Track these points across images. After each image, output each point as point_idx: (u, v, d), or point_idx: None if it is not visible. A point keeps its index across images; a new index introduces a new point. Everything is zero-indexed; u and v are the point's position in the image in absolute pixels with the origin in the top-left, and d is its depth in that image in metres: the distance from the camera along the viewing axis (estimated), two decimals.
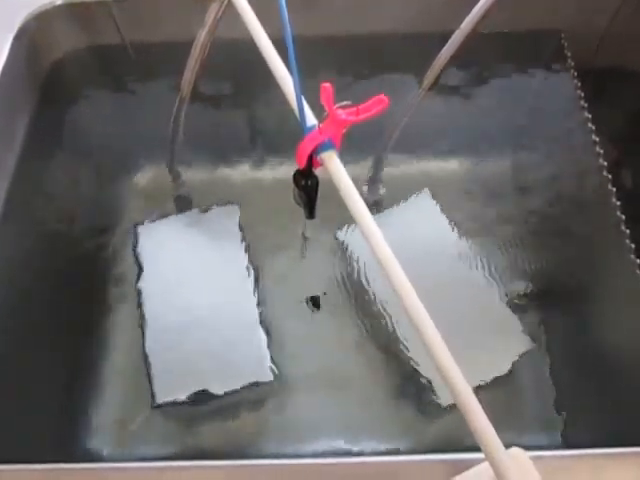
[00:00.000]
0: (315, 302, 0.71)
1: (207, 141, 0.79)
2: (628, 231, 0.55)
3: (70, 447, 0.64)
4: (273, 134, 0.78)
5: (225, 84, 0.74)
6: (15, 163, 0.61)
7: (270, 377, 0.64)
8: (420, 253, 0.71)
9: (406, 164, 0.81)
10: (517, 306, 0.69)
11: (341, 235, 0.73)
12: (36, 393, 0.60)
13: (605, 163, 0.58)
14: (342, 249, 0.73)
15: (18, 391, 0.57)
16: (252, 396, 0.65)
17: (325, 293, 0.71)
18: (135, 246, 0.74)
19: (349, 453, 0.63)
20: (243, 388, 0.64)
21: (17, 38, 0.62)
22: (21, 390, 0.58)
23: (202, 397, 0.63)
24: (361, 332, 0.69)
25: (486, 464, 0.33)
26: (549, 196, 0.76)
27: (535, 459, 0.36)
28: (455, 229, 0.74)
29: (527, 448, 0.37)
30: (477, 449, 0.34)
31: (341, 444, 0.63)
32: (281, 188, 0.77)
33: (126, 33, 0.68)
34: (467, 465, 0.37)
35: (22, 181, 0.61)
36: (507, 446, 0.34)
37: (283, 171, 0.80)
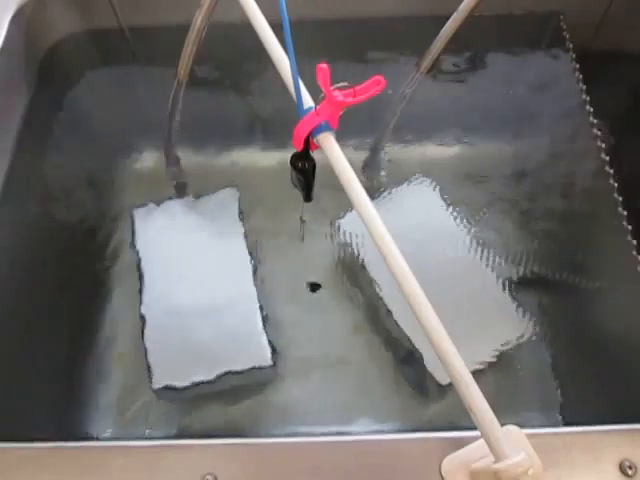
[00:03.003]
0: (315, 287, 0.72)
1: (205, 125, 0.79)
2: (625, 213, 0.55)
3: (70, 429, 0.64)
4: (271, 117, 0.78)
5: (222, 68, 0.74)
6: (13, 146, 0.61)
7: (269, 361, 0.65)
8: (418, 237, 0.71)
9: (404, 148, 0.80)
10: (515, 290, 0.70)
11: (340, 219, 0.74)
12: (36, 375, 0.61)
13: (603, 145, 0.58)
14: (341, 233, 0.73)
15: (18, 372, 0.58)
16: (251, 380, 0.65)
17: (324, 284, 0.72)
18: (133, 230, 0.74)
19: (347, 433, 0.63)
20: (242, 372, 0.64)
21: (14, 21, 0.62)
22: (21, 372, 0.58)
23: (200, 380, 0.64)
24: (359, 316, 0.70)
25: (481, 441, 0.34)
26: (547, 179, 0.76)
27: (531, 436, 0.36)
28: (453, 213, 0.74)
29: (523, 426, 0.38)
30: (473, 428, 0.34)
31: (340, 426, 0.64)
32: (279, 171, 0.77)
33: (123, 17, 0.68)
34: (463, 443, 0.38)
35: (20, 163, 0.61)
36: (504, 425, 0.35)
37: (281, 154, 0.80)
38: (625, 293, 0.58)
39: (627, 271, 0.55)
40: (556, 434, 0.40)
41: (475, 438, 0.37)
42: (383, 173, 0.78)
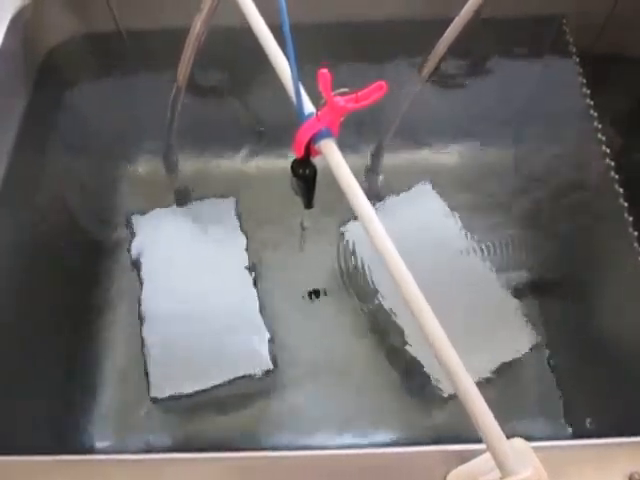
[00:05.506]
0: (316, 294, 0.71)
1: (204, 130, 0.79)
2: (631, 219, 0.54)
3: (70, 439, 0.64)
4: (271, 123, 0.78)
5: (222, 72, 0.74)
6: (11, 150, 0.61)
7: (269, 367, 0.64)
8: (421, 243, 0.71)
9: (406, 153, 0.80)
10: (519, 296, 0.69)
11: (342, 226, 0.73)
12: (34, 384, 0.60)
13: (608, 150, 0.58)
14: (343, 240, 0.73)
15: (16, 381, 0.57)
16: (251, 386, 0.65)
17: (325, 292, 0.71)
18: (131, 236, 0.73)
19: (349, 444, 0.62)
20: (242, 378, 0.64)
21: (12, 25, 0.61)
22: (19, 380, 0.58)
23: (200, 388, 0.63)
24: (361, 323, 0.69)
25: (487, 455, 0.33)
26: (551, 184, 0.75)
27: (538, 450, 0.36)
28: (456, 219, 0.73)
29: (529, 438, 0.37)
30: (479, 440, 0.33)
31: (341, 435, 0.63)
32: (279, 177, 0.77)
33: (121, 21, 0.68)
34: (469, 456, 0.37)
35: (18, 168, 0.61)
36: (509, 437, 0.34)
37: (281, 160, 0.79)
38: (631, 300, 0.57)
39: (633, 279, 0.54)
40: (563, 447, 0.40)
41: (481, 451, 0.36)
42: (384, 179, 0.77)
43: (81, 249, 0.74)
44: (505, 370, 0.64)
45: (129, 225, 0.74)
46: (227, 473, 0.39)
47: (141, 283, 0.70)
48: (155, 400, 0.63)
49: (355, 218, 0.70)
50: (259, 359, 0.65)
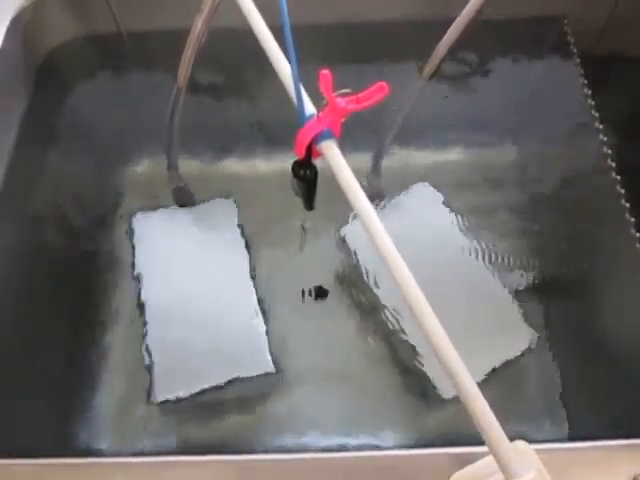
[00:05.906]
0: (319, 293, 0.71)
1: (205, 132, 0.78)
2: (632, 220, 0.54)
3: (69, 441, 0.63)
4: (272, 124, 0.78)
5: (223, 73, 0.74)
6: (11, 150, 0.60)
7: (270, 370, 0.64)
8: (422, 244, 0.71)
9: (407, 154, 0.80)
10: (519, 296, 0.69)
11: (343, 228, 0.73)
12: (33, 385, 0.60)
13: (609, 151, 0.57)
14: (344, 241, 0.72)
15: (14, 382, 0.57)
16: (251, 388, 0.65)
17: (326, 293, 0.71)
18: (131, 237, 0.73)
19: (349, 446, 0.62)
20: (243, 380, 0.64)
21: (12, 26, 0.61)
22: (19, 380, 0.58)
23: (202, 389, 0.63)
24: (362, 324, 0.69)
25: (490, 458, 0.33)
26: (551, 185, 0.75)
27: (540, 452, 0.35)
28: (457, 219, 0.73)
29: (530, 439, 0.37)
30: (481, 442, 0.33)
31: (341, 437, 0.63)
32: (280, 179, 0.77)
33: (122, 22, 0.68)
34: (471, 459, 0.37)
35: (18, 168, 0.61)
36: (511, 438, 0.34)
37: (282, 161, 0.79)
38: (633, 300, 0.57)
39: (634, 279, 0.54)
40: (566, 449, 0.40)
41: (483, 453, 0.36)
42: (385, 180, 0.77)
43: (81, 249, 0.74)
44: (506, 370, 0.64)
45: (129, 225, 0.74)
46: (227, 476, 0.39)
47: (141, 283, 0.69)
48: (155, 401, 0.63)
49: (355, 218, 0.70)
50: (259, 361, 0.65)
